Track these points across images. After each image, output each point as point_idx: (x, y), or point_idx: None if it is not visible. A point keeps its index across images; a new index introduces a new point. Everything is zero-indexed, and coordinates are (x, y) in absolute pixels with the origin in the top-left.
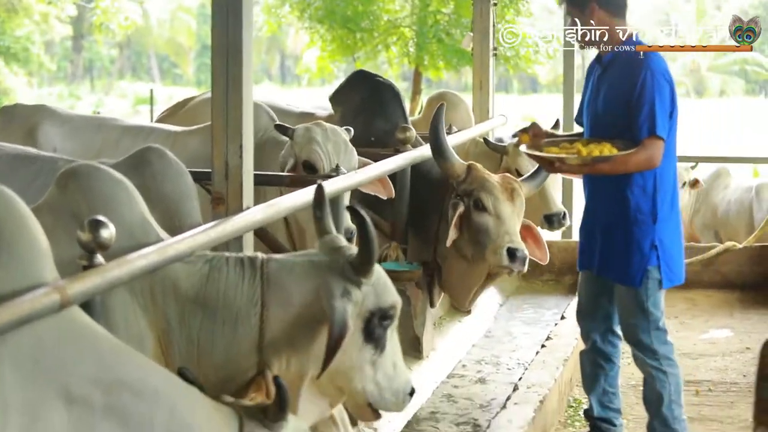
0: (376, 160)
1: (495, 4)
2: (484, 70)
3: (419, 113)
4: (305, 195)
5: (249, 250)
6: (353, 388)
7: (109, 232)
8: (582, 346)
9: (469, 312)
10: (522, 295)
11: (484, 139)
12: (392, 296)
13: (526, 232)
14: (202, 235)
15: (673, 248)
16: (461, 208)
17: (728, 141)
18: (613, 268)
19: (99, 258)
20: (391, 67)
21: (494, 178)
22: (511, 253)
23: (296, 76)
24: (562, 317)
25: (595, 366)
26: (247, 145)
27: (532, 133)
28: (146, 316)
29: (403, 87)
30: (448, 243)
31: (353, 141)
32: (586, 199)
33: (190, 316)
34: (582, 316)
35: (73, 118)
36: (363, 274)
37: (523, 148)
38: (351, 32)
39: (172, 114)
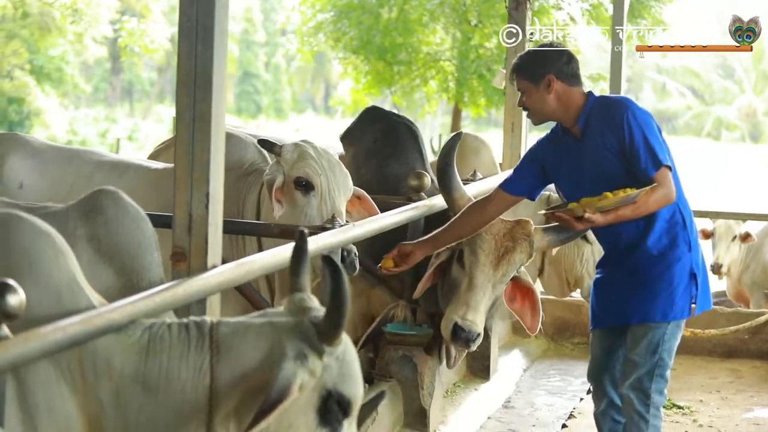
0: (385, 209)
1: (531, 41)
2: (517, 112)
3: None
4: (288, 252)
5: (215, 314)
6: None
7: (17, 299)
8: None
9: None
10: (549, 359)
11: None
12: (355, 388)
13: (524, 294)
14: (144, 301)
15: (704, 275)
16: (444, 256)
17: None
18: (657, 309)
19: (4, 330)
20: (429, 102)
21: (493, 230)
22: (455, 330)
23: (330, 107)
24: (589, 391)
25: (613, 423)
26: (216, 194)
27: (397, 255)
28: (75, 396)
29: (445, 123)
30: (417, 293)
31: (366, 185)
32: (607, 254)
33: (128, 397)
34: (598, 373)
35: (45, 149)
36: (327, 340)
37: (541, 211)
38: (388, 64)
39: (169, 147)
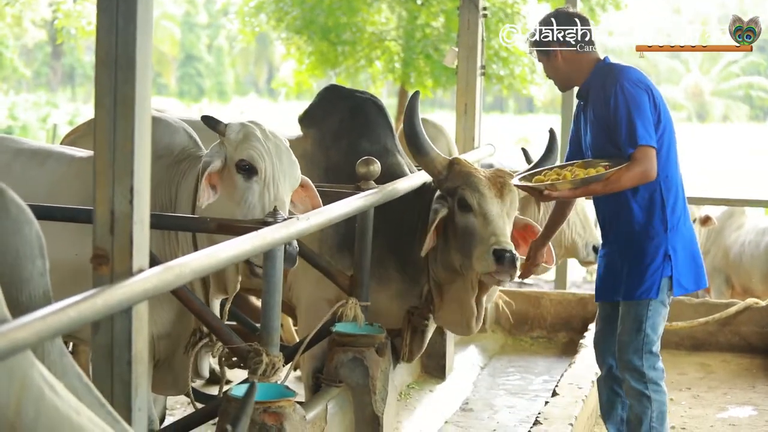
0: (333, 199)
1: (485, 16)
2: (470, 92)
3: None
4: (230, 249)
5: (142, 324)
6: None
7: None
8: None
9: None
10: (507, 356)
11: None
12: None
13: (527, 232)
14: (57, 315)
15: (686, 256)
16: (443, 211)
17: (733, 170)
18: (630, 287)
19: None
20: (374, 83)
21: (482, 172)
22: (498, 255)
23: (273, 90)
24: (554, 393)
25: (611, 393)
26: (141, 188)
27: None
28: None
29: (390, 104)
30: (423, 251)
31: (338, 168)
32: (600, 228)
33: None
34: (598, 341)
35: None
36: None
37: (515, 180)
38: (332, 45)
39: (86, 134)
